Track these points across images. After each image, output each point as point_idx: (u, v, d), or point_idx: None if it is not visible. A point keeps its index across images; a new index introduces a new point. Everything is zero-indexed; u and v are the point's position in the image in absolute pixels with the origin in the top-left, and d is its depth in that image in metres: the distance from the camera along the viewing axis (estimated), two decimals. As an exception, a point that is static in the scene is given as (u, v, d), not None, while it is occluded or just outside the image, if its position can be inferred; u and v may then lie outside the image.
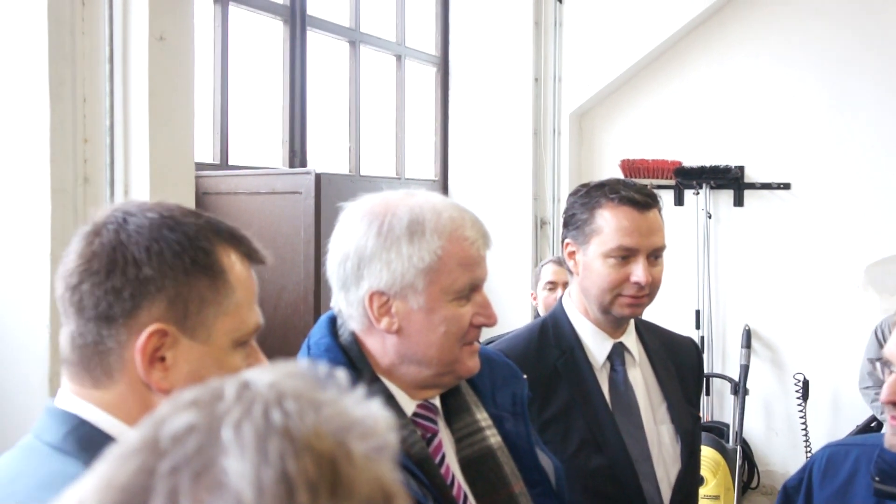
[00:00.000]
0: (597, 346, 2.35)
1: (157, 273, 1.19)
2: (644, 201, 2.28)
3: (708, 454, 5.75)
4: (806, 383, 6.28)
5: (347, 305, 1.64)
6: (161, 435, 0.60)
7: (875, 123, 6.49)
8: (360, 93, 5.81)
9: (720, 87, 6.73)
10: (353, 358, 1.64)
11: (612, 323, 2.35)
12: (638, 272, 2.25)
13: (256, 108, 5.17)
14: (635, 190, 2.30)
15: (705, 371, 6.73)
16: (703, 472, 5.54)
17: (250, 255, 1.30)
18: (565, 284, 4.57)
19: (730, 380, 6.52)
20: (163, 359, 1.20)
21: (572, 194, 2.40)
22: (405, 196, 1.66)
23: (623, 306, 2.29)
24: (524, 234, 6.58)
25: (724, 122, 6.73)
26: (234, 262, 1.26)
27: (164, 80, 3.49)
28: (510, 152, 6.64)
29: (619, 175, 6.61)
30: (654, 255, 2.29)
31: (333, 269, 1.64)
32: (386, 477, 0.61)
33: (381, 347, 1.64)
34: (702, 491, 5.45)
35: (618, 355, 2.36)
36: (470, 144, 6.73)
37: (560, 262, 4.68)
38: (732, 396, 6.49)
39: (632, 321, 2.42)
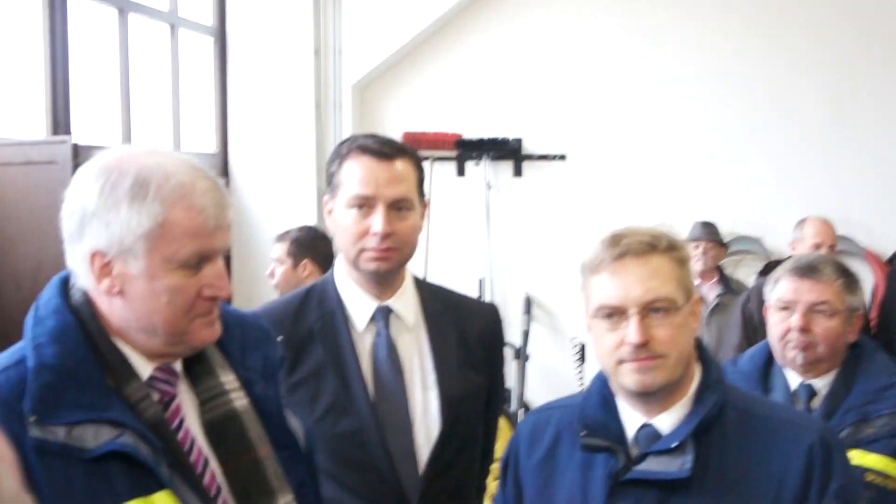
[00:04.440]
0: (359, 308, 2.30)
1: None
2: (381, 150, 2.23)
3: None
4: (583, 347, 6.52)
5: (73, 262, 1.57)
6: None
7: (643, 95, 6.80)
8: (129, 62, 5.59)
9: (500, 59, 6.88)
10: (83, 319, 1.57)
11: (374, 283, 2.29)
12: (375, 222, 2.20)
13: (16, 75, 4.88)
14: (377, 140, 2.26)
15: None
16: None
17: None
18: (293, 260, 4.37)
19: (512, 346, 6.70)
20: None
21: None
22: (143, 154, 1.59)
23: (368, 260, 2.23)
24: (308, 207, 6.52)
25: (504, 95, 6.89)
26: None
27: None
28: (292, 125, 6.55)
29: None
30: (398, 207, 2.23)
31: (63, 223, 1.57)
32: None
33: (109, 309, 1.57)
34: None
35: (382, 318, 2.30)
36: (251, 117, 6.60)
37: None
38: (515, 362, 6.67)
39: (410, 283, 2.37)
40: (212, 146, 6.61)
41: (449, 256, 6.82)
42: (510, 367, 6.68)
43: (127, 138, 5.57)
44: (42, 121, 4.97)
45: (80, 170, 1.58)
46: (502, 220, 6.96)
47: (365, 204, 2.21)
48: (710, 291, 5.56)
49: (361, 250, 2.23)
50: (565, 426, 1.99)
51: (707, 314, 5.43)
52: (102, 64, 5.51)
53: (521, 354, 6.71)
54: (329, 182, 2.30)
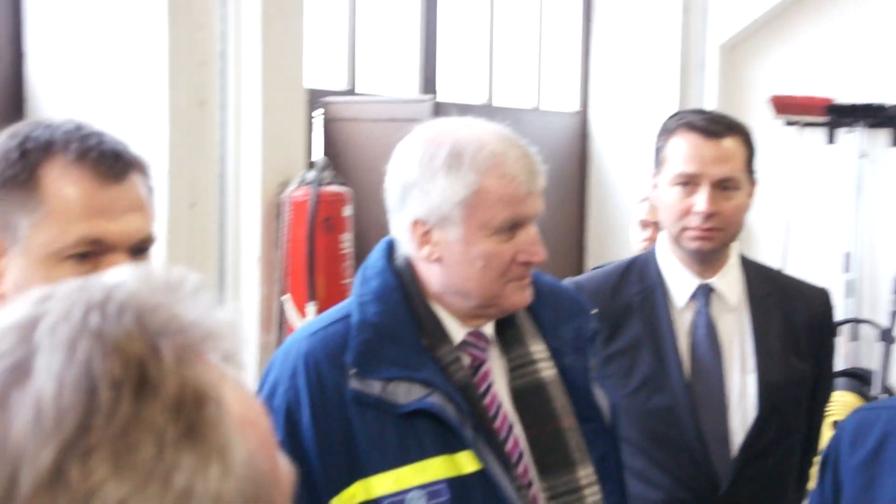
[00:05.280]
0: (680, 285, 2.29)
1: None
2: (709, 128, 2.19)
3: (850, 400, 5.59)
4: (961, 336, 5.96)
5: (397, 230, 1.68)
6: None
7: None
8: (495, 21, 5.79)
9: (879, 17, 6.35)
10: (405, 282, 1.68)
11: (696, 261, 2.27)
12: (698, 201, 2.17)
13: (393, 34, 5.20)
14: (705, 117, 2.23)
15: (852, 316, 6.48)
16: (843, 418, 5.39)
17: (96, 169, 1.31)
18: (655, 225, 4.29)
19: (877, 326, 6.26)
20: None
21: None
22: (460, 125, 1.67)
23: (690, 239, 2.22)
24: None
25: (883, 57, 6.36)
26: (56, 175, 1.29)
27: (275, 6, 3.59)
28: (655, 85, 6.46)
29: (770, 112, 6.37)
30: (723, 187, 2.19)
31: (386, 191, 1.68)
32: (200, 380, 0.62)
33: (428, 274, 1.67)
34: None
35: (703, 297, 2.28)
36: (613, 77, 6.59)
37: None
38: (879, 343, 6.24)
39: (735, 262, 2.32)
40: (571, 105, 6.68)
41: (812, 227, 6.47)
42: (874, 349, 6.25)
43: (490, 97, 5.78)
44: (415, 80, 5.29)
45: (400, 144, 1.68)
46: (875, 192, 6.47)
47: (689, 182, 2.20)
48: None
49: (684, 228, 2.22)
50: (894, 428, 1.86)
51: None
52: (472, 23, 5.74)
53: (887, 336, 6.26)
54: (656, 157, 2.30)
